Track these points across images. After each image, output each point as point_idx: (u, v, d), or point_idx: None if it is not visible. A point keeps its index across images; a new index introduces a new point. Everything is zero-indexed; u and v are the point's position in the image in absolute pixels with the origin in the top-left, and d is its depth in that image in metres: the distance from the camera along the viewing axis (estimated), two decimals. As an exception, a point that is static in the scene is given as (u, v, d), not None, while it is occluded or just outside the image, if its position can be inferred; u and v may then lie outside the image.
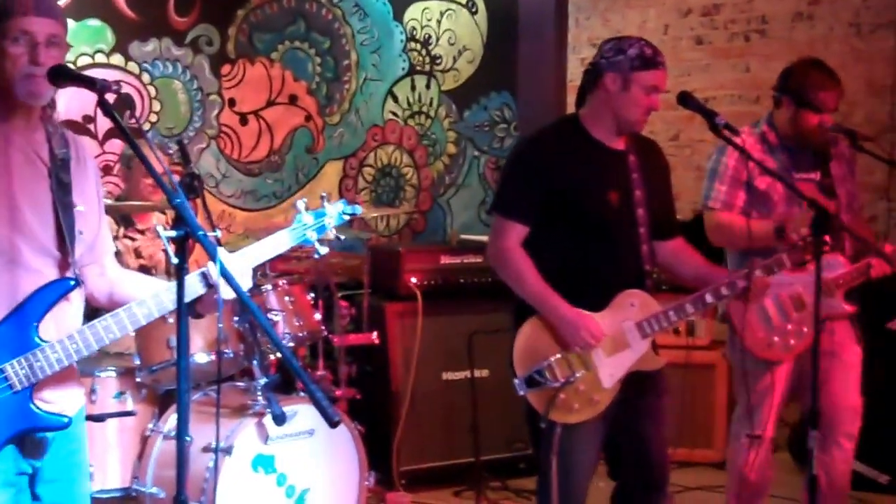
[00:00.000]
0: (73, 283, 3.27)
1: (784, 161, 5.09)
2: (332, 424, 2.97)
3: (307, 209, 3.56)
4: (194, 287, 3.30)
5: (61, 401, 3.30)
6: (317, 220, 3.56)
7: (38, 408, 3.19)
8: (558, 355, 4.28)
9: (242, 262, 3.38)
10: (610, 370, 4.32)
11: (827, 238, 4.30)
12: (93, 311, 3.44)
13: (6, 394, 3.13)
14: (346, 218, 3.64)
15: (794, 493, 5.56)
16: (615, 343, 4.33)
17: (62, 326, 3.25)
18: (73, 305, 3.34)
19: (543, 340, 4.31)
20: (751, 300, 4.48)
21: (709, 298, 4.38)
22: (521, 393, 4.31)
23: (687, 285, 4.58)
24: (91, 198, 3.42)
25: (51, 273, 3.26)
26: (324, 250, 3.60)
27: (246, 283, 3.35)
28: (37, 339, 3.17)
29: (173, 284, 3.23)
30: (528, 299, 4.33)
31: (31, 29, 3.17)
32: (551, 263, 4.33)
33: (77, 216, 3.32)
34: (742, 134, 5.04)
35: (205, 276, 3.31)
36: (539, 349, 4.31)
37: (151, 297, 3.28)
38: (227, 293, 3.20)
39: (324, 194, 3.66)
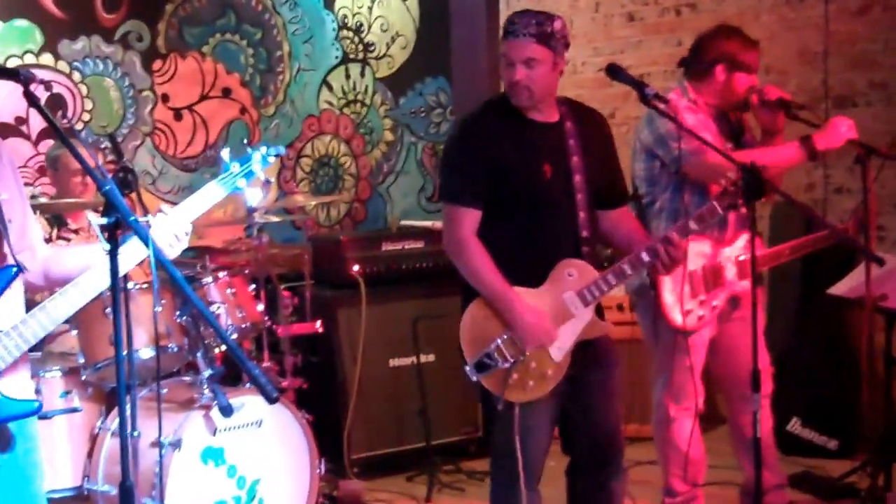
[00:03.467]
0: (15, 269, 3.27)
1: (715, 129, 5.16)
2: (271, 400, 3.00)
3: (232, 157, 3.62)
4: (140, 249, 3.31)
5: (17, 388, 3.31)
6: (243, 166, 3.61)
7: (5, 396, 3.21)
8: (504, 336, 4.27)
9: (180, 219, 3.42)
10: (558, 343, 4.30)
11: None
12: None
13: None
14: (272, 160, 3.70)
15: (732, 461, 5.65)
16: (559, 315, 4.32)
17: (8, 314, 3.26)
18: (16, 292, 3.34)
19: (489, 323, 4.30)
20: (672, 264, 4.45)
21: (645, 257, 4.35)
22: (474, 378, 4.30)
23: (622, 254, 4.52)
24: (11, 185, 3.41)
25: None
26: (256, 197, 3.63)
27: (184, 243, 3.43)
28: None
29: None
30: (483, 294, 4.31)
31: None
32: (489, 239, 4.31)
33: (3, 205, 3.31)
34: (673, 97, 5.10)
35: None
36: (485, 332, 4.30)
37: (99, 265, 3.29)
38: (170, 252, 3.36)
39: (245, 140, 3.70)
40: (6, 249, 3.28)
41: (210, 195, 3.54)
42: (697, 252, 5.07)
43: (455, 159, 4.46)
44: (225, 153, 3.60)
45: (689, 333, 5.13)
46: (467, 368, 4.30)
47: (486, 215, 4.35)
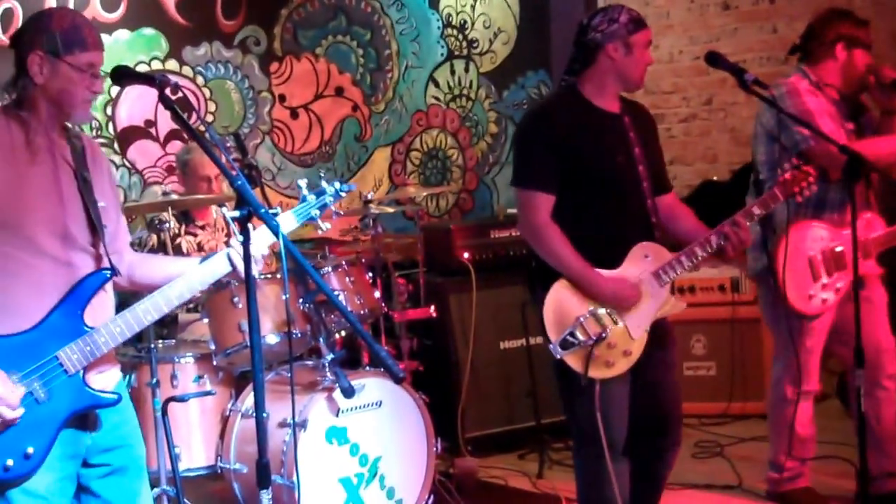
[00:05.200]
0: (109, 273, 3.56)
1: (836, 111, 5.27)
2: (397, 380, 3.22)
3: (308, 189, 3.84)
4: (220, 267, 3.63)
5: (104, 380, 3.60)
6: (318, 198, 3.84)
7: (91, 388, 3.50)
8: (587, 314, 4.45)
9: (257, 243, 3.58)
10: (637, 321, 4.50)
11: (811, 170, 4.56)
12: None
13: (61, 378, 3.43)
14: (343, 195, 3.92)
15: (844, 437, 5.68)
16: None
17: (100, 313, 3.56)
18: (108, 294, 3.66)
19: (570, 303, 4.47)
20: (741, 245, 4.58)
21: (714, 240, 4.51)
22: (558, 356, 4.45)
23: (679, 239, 4.73)
24: (108, 192, 3.72)
25: (87, 267, 3.55)
26: (326, 226, 3.86)
27: (259, 266, 3.63)
28: (84, 327, 3.48)
29: (195, 261, 3.65)
30: (565, 273, 4.47)
31: (95, 62, 3.52)
32: (567, 225, 4.48)
33: (101, 211, 3.60)
34: (792, 81, 5.25)
35: (228, 257, 3.62)
36: (567, 312, 4.46)
37: (182, 277, 3.60)
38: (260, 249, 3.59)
39: (322, 174, 3.96)
40: (102, 252, 3.58)
41: (285, 224, 3.73)
42: (815, 237, 5.21)
43: (528, 147, 4.61)
44: (303, 183, 3.82)
45: (813, 318, 5.26)
46: (551, 347, 4.46)
47: (563, 202, 4.51)
